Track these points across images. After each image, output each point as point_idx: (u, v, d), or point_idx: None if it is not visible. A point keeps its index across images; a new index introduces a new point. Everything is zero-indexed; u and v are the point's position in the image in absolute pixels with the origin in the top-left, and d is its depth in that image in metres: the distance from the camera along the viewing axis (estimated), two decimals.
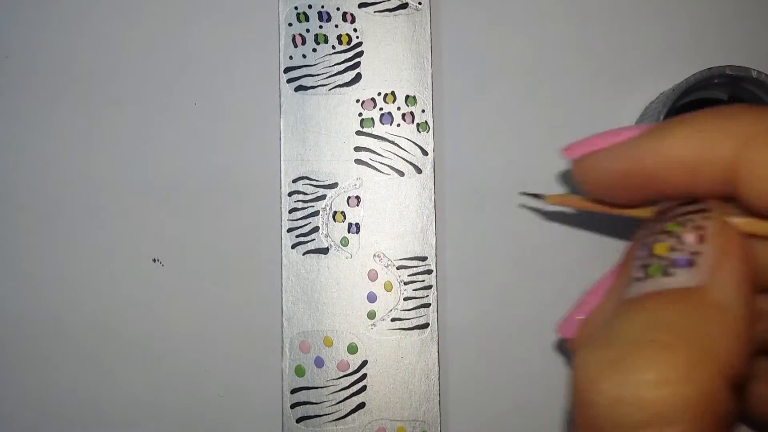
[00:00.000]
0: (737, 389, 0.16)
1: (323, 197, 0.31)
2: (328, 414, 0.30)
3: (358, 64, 0.31)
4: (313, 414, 0.30)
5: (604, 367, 0.16)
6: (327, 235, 0.30)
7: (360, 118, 0.31)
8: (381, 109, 0.31)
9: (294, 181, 0.31)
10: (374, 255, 0.30)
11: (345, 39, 0.31)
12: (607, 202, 0.21)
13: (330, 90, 0.31)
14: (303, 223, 0.30)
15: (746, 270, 0.17)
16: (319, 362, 0.30)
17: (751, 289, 0.17)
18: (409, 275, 0.30)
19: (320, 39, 0.31)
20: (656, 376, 0.15)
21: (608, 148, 0.20)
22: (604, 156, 0.20)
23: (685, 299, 0.16)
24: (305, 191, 0.31)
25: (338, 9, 0.31)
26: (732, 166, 0.17)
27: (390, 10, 0.31)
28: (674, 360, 0.15)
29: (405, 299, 0.30)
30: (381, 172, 0.31)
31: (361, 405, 0.30)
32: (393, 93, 0.31)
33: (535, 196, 0.26)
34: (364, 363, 0.30)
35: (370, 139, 0.31)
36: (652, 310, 0.16)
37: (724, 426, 0.15)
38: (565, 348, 0.31)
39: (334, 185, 0.31)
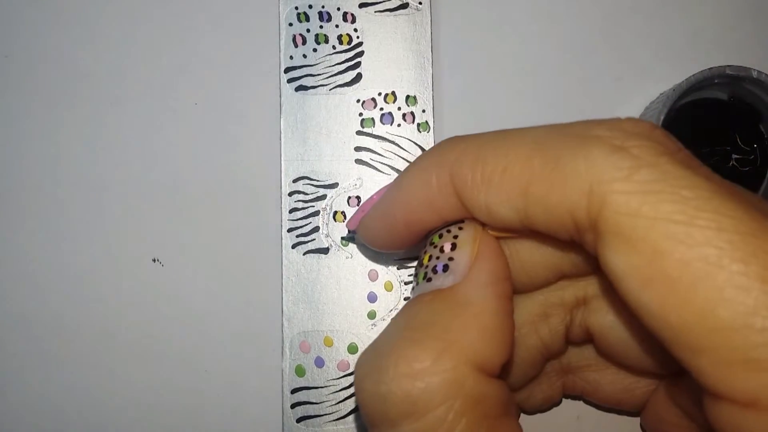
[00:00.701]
0: (498, 374, 0.18)
1: (324, 197, 0.31)
2: (329, 414, 0.30)
3: (358, 64, 0.31)
4: (313, 414, 0.30)
5: (366, 368, 0.18)
6: (327, 235, 0.30)
7: (360, 118, 0.31)
8: (381, 109, 0.31)
9: (294, 181, 0.31)
10: (374, 255, 0.30)
11: (345, 39, 0.31)
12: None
13: (330, 90, 0.31)
14: (303, 223, 0.30)
15: (497, 268, 0.19)
16: (320, 362, 0.30)
17: (505, 284, 0.19)
18: (409, 275, 0.30)
19: (321, 39, 0.31)
20: (405, 370, 0.17)
21: (370, 210, 0.22)
22: (370, 218, 0.22)
23: (438, 299, 0.18)
24: (305, 191, 0.31)
25: (339, 9, 0.31)
26: (453, 191, 0.19)
27: (390, 10, 0.31)
28: (420, 354, 0.17)
29: (405, 299, 0.30)
30: (381, 172, 0.31)
31: None
32: (393, 93, 0.31)
33: (351, 236, 0.30)
34: None
35: (370, 139, 0.31)
36: (409, 312, 0.18)
37: (491, 408, 0.17)
38: None
39: (334, 185, 0.31)
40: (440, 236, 0.20)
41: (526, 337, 0.23)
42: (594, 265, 0.21)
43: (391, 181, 0.21)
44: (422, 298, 0.19)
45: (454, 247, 0.19)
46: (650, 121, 0.17)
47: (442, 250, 0.19)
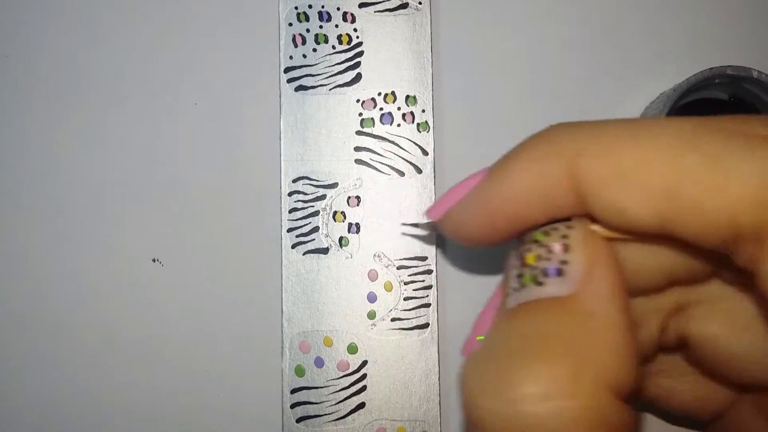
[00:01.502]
0: (627, 398, 0.16)
1: (323, 197, 0.30)
2: (328, 414, 0.30)
3: (358, 64, 0.31)
4: (313, 414, 0.30)
5: (484, 383, 0.15)
6: (327, 235, 0.30)
7: (360, 118, 0.31)
8: (381, 109, 0.31)
9: (294, 181, 0.31)
10: (374, 255, 0.30)
11: (345, 39, 0.31)
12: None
13: (330, 90, 0.31)
14: (303, 223, 0.30)
15: (616, 276, 0.16)
16: (319, 362, 0.30)
17: (625, 295, 0.16)
18: (409, 275, 0.30)
19: (320, 39, 0.31)
20: (539, 390, 0.14)
21: (462, 200, 0.20)
22: (461, 208, 0.20)
23: (559, 308, 0.16)
24: (305, 191, 0.31)
25: (338, 9, 0.31)
26: (572, 185, 0.17)
27: (390, 10, 0.31)
28: (555, 372, 0.15)
29: (405, 299, 0.30)
30: (381, 172, 0.31)
31: (361, 405, 0.30)
32: (393, 93, 0.31)
33: (414, 225, 0.27)
34: (364, 363, 0.30)
35: (370, 139, 0.31)
36: (527, 321, 0.16)
37: None
38: None
39: (334, 185, 0.31)
40: (546, 234, 0.17)
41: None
42: (713, 273, 0.19)
43: (486, 168, 0.19)
44: (539, 306, 0.16)
45: (566, 248, 0.17)
46: None
47: (550, 251, 0.17)
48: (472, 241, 0.20)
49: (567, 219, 0.18)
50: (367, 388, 0.30)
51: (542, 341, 0.15)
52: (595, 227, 0.17)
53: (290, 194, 0.31)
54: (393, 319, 0.30)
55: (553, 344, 0.15)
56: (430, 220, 0.22)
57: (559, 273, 0.17)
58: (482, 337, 0.20)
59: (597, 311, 0.16)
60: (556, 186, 0.17)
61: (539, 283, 0.17)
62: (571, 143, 0.17)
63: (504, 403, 0.15)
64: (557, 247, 0.17)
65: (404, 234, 0.29)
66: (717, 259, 0.17)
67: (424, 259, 0.30)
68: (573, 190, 0.17)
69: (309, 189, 0.31)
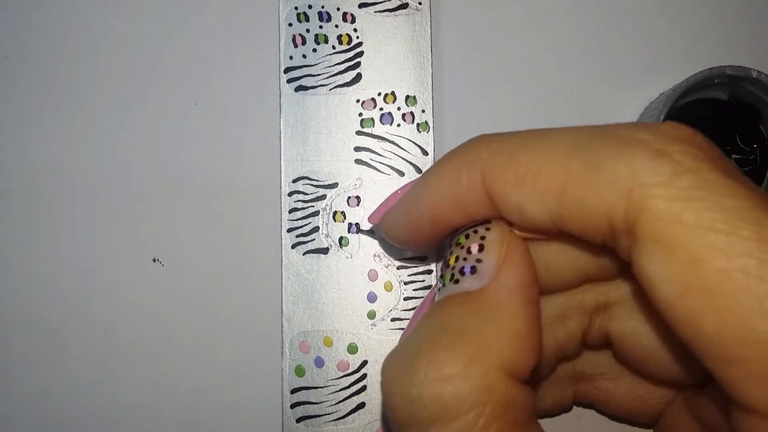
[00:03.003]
0: (528, 380, 0.18)
1: (323, 197, 0.31)
2: (328, 414, 0.30)
3: (358, 64, 0.31)
4: (313, 414, 0.30)
5: (395, 371, 0.17)
6: (327, 235, 0.30)
7: (360, 118, 0.31)
8: (381, 109, 0.31)
9: (294, 181, 0.31)
10: (374, 255, 0.30)
11: (345, 39, 0.31)
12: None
13: (330, 90, 0.31)
14: (303, 223, 0.30)
15: (525, 272, 0.18)
16: (319, 362, 0.30)
17: (533, 288, 0.18)
18: (409, 275, 0.30)
19: (320, 39, 0.31)
20: (436, 374, 0.16)
21: (394, 205, 0.22)
22: (393, 213, 0.22)
23: (466, 302, 0.18)
24: (305, 191, 0.31)
25: (338, 9, 0.31)
26: (484, 189, 0.18)
27: (390, 10, 0.31)
28: (451, 358, 0.16)
29: (405, 299, 0.30)
30: (381, 172, 0.31)
31: (361, 405, 0.30)
32: (393, 93, 0.31)
33: (369, 232, 0.30)
34: (364, 363, 0.30)
35: (370, 139, 0.31)
36: (439, 315, 0.18)
37: (519, 414, 0.17)
38: None
39: (334, 185, 0.31)
40: (467, 236, 0.20)
41: (542, 337, 0.23)
42: (621, 271, 0.21)
43: (418, 176, 0.21)
44: (450, 301, 0.18)
45: (481, 248, 0.19)
46: (691, 127, 0.17)
47: (469, 251, 0.19)
48: (404, 242, 0.22)
49: (488, 221, 0.19)
50: (367, 388, 0.30)
51: (446, 331, 0.17)
52: (513, 228, 0.19)
53: (290, 194, 0.31)
54: (393, 319, 0.30)
55: (455, 333, 0.17)
56: (369, 222, 0.25)
57: (473, 271, 0.18)
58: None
59: (501, 303, 0.18)
60: (469, 191, 0.19)
61: (456, 281, 0.19)
62: (483, 153, 0.18)
63: (408, 387, 0.17)
64: (474, 247, 0.19)
65: (345, 243, 0.30)
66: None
67: (424, 259, 0.30)
68: (485, 194, 0.18)
69: (309, 189, 0.31)
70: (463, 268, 0.19)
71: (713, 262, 0.14)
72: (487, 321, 0.17)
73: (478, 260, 0.19)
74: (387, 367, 0.18)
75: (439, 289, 0.19)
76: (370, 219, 0.25)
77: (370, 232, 0.30)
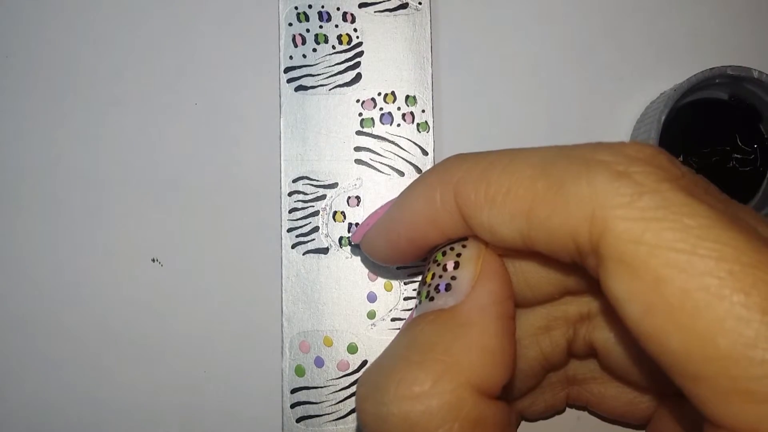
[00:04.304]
0: (499, 395, 0.18)
1: (323, 197, 0.30)
2: (328, 414, 0.30)
3: (358, 64, 0.31)
4: (313, 414, 0.30)
5: (367, 388, 0.18)
6: (327, 235, 0.30)
7: (360, 118, 0.31)
8: (381, 109, 0.31)
9: (294, 181, 0.31)
10: None
11: (345, 39, 0.31)
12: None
13: (330, 90, 0.31)
14: (303, 223, 0.30)
15: (500, 287, 0.19)
16: (319, 362, 0.30)
17: (508, 304, 0.18)
18: (408, 275, 0.30)
19: (320, 39, 0.31)
20: (404, 392, 0.17)
21: (374, 225, 0.22)
22: (373, 233, 0.22)
23: (439, 319, 0.18)
24: (305, 191, 0.31)
25: (338, 9, 0.31)
26: (457, 209, 0.19)
27: (390, 10, 0.31)
28: (420, 376, 0.17)
29: (405, 299, 0.30)
30: (381, 172, 0.31)
31: None
32: (393, 93, 0.31)
33: (356, 247, 0.29)
34: (364, 363, 0.30)
35: (370, 139, 0.31)
36: (412, 332, 0.18)
37: (491, 430, 0.17)
38: None
39: (334, 185, 0.31)
40: (443, 254, 0.20)
41: (527, 349, 0.23)
42: (595, 285, 0.21)
43: (396, 196, 0.21)
44: (424, 318, 0.19)
45: (457, 265, 0.19)
46: (654, 146, 0.17)
47: (444, 269, 0.19)
48: (384, 260, 0.23)
49: (464, 239, 0.20)
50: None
51: (417, 348, 0.17)
52: (489, 246, 0.19)
53: (290, 194, 0.31)
54: (393, 319, 0.30)
55: (425, 350, 0.17)
56: (355, 243, 0.25)
57: (447, 288, 0.19)
58: None
59: (474, 319, 0.18)
60: (443, 211, 0.19)
61: (431, 299, 0.19)
62: (456, 172, 0.19)
63: (379, 405, 0.17)
64: (450, 264, 0.19)
65: (345, 244, 0.30)
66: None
67: (424, 259, 0.30)
68: (458, 213, 0.19)
69: (309, 189, 0.31)
70: (438, 285, 0.19)
71: (675, 281, 0.14)
72: (457, 337, 0.17)
73: (453, 277, 0.19)
74: (361, 383, 0.18)
75: (416, 306, 0.20)
76: (352, 238, 0.26)
77: (356, 248, 0.30)
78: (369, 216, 0.24)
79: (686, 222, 0.15)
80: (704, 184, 0.17)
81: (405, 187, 0.21)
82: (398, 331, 0.30)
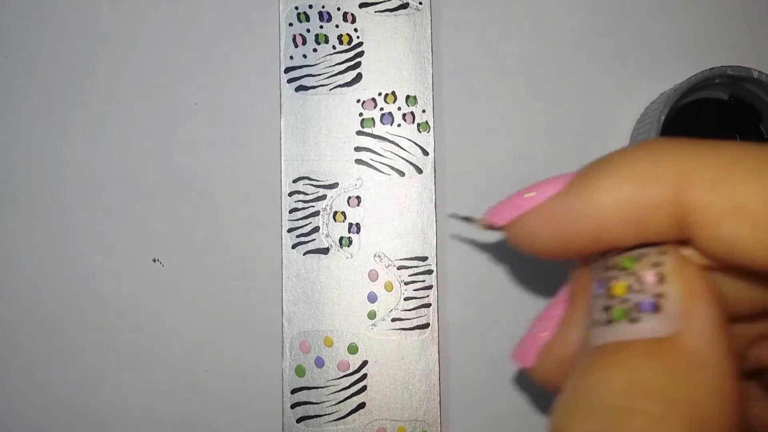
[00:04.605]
0: None
1: (324, 197, 0.30)
2: (329, 414, 0.30)
3: (358, 64, 0.31)
4: (313, 414, 0.30)
5: None
6: (327, 235, 0.30)
7: (360, 118, 0.31)
8: (381, 109, 0.31)
9: (294, 181, 0.31)
10: (375, 255, 0.30)
11: (345, 39, 0.31)
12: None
13: (330, 90, 0.31)
14: (303, 223, 0.30)
15: (718, 312, 0.15)
16: (320, 362, 0.30)
17: (727, 333, 0.15)
18: (409, 275, 0.30)
19: (321, 39, 0.31)
20: None
21: (536, 209, 0.18)
22: (534, 221, 0.18)
23: (660, 354, 0.14)
24: (305, 191, 0.31)
25: (339, 9, 0.31)
26: (677, 210, 0.15)
27: (390, 10, 0.31)
28: None
29: (405, 299, 0.30)
30: (381, 172, 0.31)
31: (362, 405, 0.30)
32: (393, 93, 0.31)
33: (466, 219, 0.23)
34: (365, 363, 0.30)
35: (370, 139, 0.31)
36: (627, 368, 0.15)
37: None
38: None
39: (334, 185, 0.31)
40: (635, 260, 0.16)
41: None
42: None
43: (565, 176, 0.17)
44: (635, 349, 0.15)
45: (661, 279, 0.15)
46: None
47: (642, 281, 0.15)
48: (541, 254, 0.18)
49: (657, 244, 0.16)
50: (368, 388, 0.30)
51: (648, 395, 0.14)
52: (689, 252, 0.15)
53: (290, 194, 0.31)
54: (393, 320, 0.30)
55: (661, 399, 0.14)
56: (491, 222, 0.20)
57: (655, 308, 0.15)
58: (540, 346, 0.19)
59: (703, 357, 0.14)
60: (656, 212, 0.15)
61: (632, 320, 0.15)
62: (678, 166, 0.15)
63: None
64: (650, 277, 0.15)
65: (452, 217, 0.25)
66: None
67: (424, 259, 0.30)
68: (675, 217, 0.15)
69: (309, 189, 0.31)
70: (640, 303, 0.15)
71: None
72: (697, 384, 0.14)
73: (658, 294, 0.15)
74: (562, 429, 0.15)
75: (601, 324, 0.16)
76: (494, 217, 0.20)
77: (465, 219, 0.24)
78: (516, 197, 0.19)
79: None
80: None
81: (579, 171, 0.17)
82: (399, 330, 0.30)
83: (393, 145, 0.31)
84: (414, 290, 0.30)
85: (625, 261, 0.16)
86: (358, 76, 0.31)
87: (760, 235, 0.14)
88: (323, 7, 0.31)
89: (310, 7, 0.31)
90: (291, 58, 0.31)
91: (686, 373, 0.14)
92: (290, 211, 0.30)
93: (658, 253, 0.15)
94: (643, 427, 0.13)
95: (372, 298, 0.30)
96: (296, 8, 0.31)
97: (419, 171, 0.31)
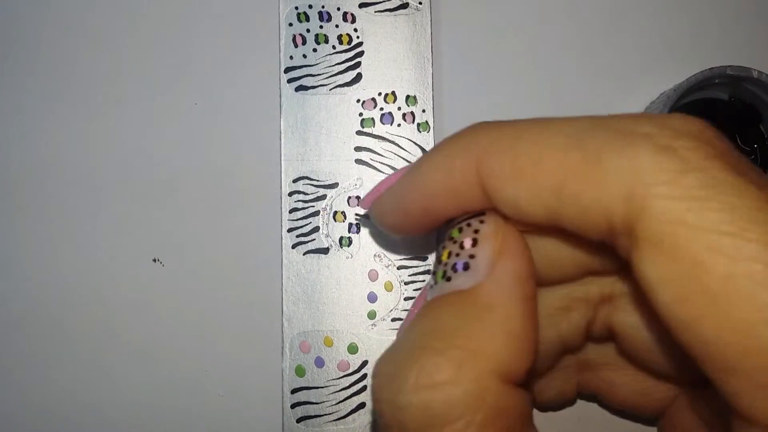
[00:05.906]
0: (523, 383, 0.16)
1: (324, 197, 0.30)
2: (329, 414, 0.30)
3: (358, 64, 0.31)
4: (313, 414, 0.30)
5: (384, 377, 0.17)
6: (327, 235, 0.30)
7: (360, 118, 0.31)
8: (381, 109, 0.31)
9: (294, 181, 0.31)
10: (375, 255, 0.30)
11: (345, 39, 0.31)
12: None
13: (330, 90, 0.31)
14: (303, 223, 0.30)
15: (522, 267, 0.17)
16: (320, 362, 0.30)
17: (530, 284, 0.17)
18: (409, 275, 0.30)
19: (321, 39, 0.31)
20: (425, 381, 0.16)
21: (385, 191, 0.21)
22: (384, 200, 0.21)
23: (459, 302, 0.17)
24: (306, 191, 0.31)
25: (339, 9, 0.31)
26: (479, 181, 0.17)
27: (390, 10, 0.31)
28: (441, 364, 0.16)
29: (405, 299, 0.30)
30: (381, 172, 0.31)
31: (362, 405, 0.30)
32: (393, 93, 0.31)
33: (364, 217, 0.28)
34: (365, 363, 0.30)
35: (370, 139, 0.31)
36: (430, 316, 0.17)
37: (513, 420, 0.16)
38: None
39: (334, 185, 0.31)
40: (460, 231, 0.18)
41: (544, 329, 0.21)
42: (622, 267, 0.20)
43: (411, 163, 0.20)
44: (443, 300, 0.17)
45: (475, 243, 0.18)
46: (701, 120, 0.16)
47: (462, 246, 0.18)
48: (394, 229, 0.21)
49: (482, 213, 0.18)
50: (368, 388, 0.30)
51: (437, 334, 0.16)
52: (509, 221, 0.18)
53: (290, 194, 0.31)
54: (393, 319, 0.30)
55: (446, 336, 0.16)
56: (362, 208, 0.23)
57: (466, 267, 0.17)
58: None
59: (495, 302, 0.17)
60: (463, 182, 0.18)
61: (448, 279, 0.18)
62: (480, 141, 0.17)
63: (397, 394, 0.16)
64: (467, 242, 0.18)
65: (357, 222, 0.30)
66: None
67: (424, 259, 0.30)
68: (479, 185, 0.17)
69: (309, 189, 0.31)
70: (455, 264, 0.18)
71: (717, 266, 0.13)
72: (479, 321, 0.16)
73: (471, 255, 0.17)
74: (377, 372, 0.17)
75: (431, 287, 0.18)
76: (361, 204, 0.24)
77: (365, 218, 0.28)
78: (380, 182, 0.22)
79: (733, 202, 0.13)
80: (749, 163, 0.15)
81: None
82: (399, 324, 0.30)
83: (393, 145, 0.31)
84: (414, 290, 0.30)
85: (454, 232, 0.19)
86: (358, 76, 0.31)
87: (532, 192, 0.16)
88: (323, 7, 0.31)
89: (310, 7, 0.31)
90: (291, 58, 0.31)
91: (474, 315, 0.16)
92: (290, 211, 0.30)
93: (479, 222, 0.18)
94: (424, 359, 0.16)
95: (372, 298, 0.30)
96: (296, 8, 0.31)
97: None
